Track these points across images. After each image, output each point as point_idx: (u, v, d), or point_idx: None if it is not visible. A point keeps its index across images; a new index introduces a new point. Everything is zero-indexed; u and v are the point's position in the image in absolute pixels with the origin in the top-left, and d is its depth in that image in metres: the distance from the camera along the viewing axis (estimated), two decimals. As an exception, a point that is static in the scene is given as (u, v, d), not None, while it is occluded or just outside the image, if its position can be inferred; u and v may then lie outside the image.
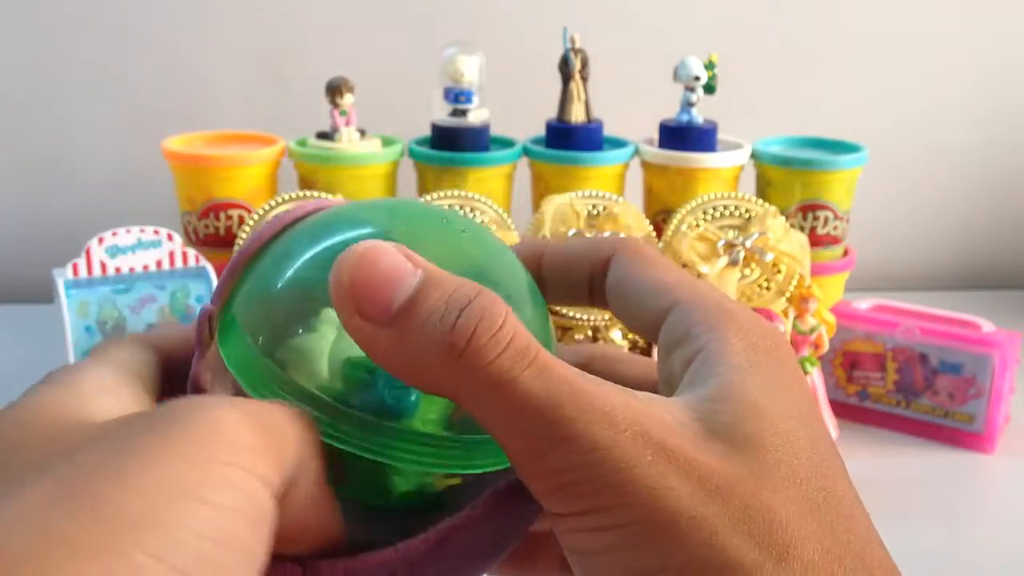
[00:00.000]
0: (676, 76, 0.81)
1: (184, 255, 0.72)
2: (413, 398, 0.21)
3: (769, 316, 0.70)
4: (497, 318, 0.19)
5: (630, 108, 0.85)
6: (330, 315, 0.21)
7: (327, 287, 0.19)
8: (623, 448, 0.18)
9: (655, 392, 0.21)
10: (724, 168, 0.82)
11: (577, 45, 0.81)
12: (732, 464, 0.19)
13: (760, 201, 0.78)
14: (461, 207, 0.74)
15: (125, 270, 0.70)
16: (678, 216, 0.77)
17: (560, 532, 0.20)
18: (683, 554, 0.18)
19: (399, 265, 0.19)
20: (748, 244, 0.75)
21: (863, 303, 0.78)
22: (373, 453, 0.20)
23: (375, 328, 0.19)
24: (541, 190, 0.83)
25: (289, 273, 0.22)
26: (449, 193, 0.75)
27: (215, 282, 0.70)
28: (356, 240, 0.20)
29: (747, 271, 0.75)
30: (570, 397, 0.18)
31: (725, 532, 0.18)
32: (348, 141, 0.79)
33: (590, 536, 0.19)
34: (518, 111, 0.85)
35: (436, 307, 0.19)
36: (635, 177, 0.85)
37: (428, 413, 0.22)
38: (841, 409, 0.75)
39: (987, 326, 0.73)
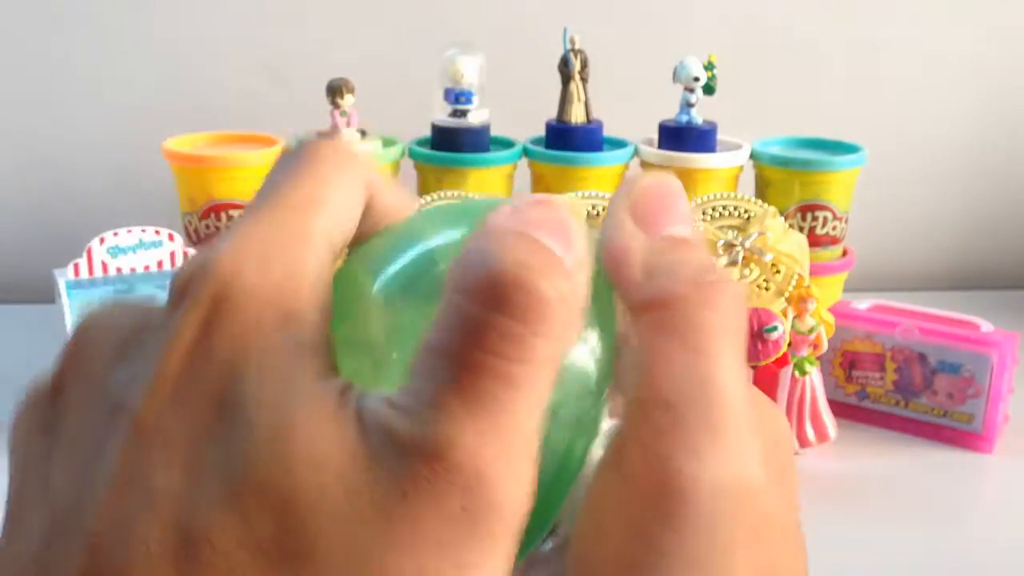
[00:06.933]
0: (675, 77, 0.81)
1: (185, 255, 0.72)
2: None
3: (768, 316, 0.70)
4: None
5: (630, 108, 0.85)
6: None
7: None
8: None
9: None
10: (723, 168, 0.82)
11: (577, 46, 0.81)
12: None
13: (759, 201, 0.78)
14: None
15: (126, 270, 0.70)
16: (678, 216, 0.77)
17: None
18: None
19: (685, 204, 0.21)
20: (747, 244, 0.75)
21: (862, 303, 0.78)
22: None
23: (642, 236, 0.20)
24: (541, 191, 0.83)
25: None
26: (449, 194, 0.75)
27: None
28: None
29: (746, 271, 0.75)
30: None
31: None
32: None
33: None
34: (518, 111, 0.85)
35: (703, 254, 0.20)
36: (635, 177, 0.85)
37: None
38: (840, 409, 0.75)
39: (986, 326, 0.73)
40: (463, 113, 0.80)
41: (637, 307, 0.19)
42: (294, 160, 0.20)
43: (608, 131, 0.84)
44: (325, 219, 0.19)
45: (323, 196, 0.19)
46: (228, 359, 0.17)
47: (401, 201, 0.22)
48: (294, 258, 0.18)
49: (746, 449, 0.17)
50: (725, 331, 0.18)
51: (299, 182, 0.20)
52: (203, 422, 0.17)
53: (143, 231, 0.70)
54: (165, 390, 0.17)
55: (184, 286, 0.18)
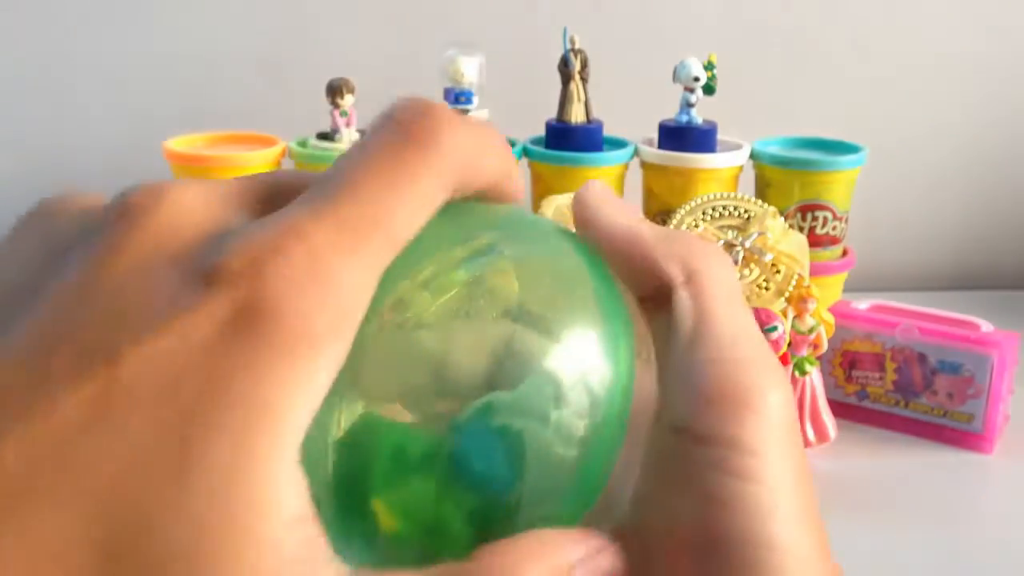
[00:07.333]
0: (676, 77, 0.81)
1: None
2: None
3: (768, 316, 0.70)
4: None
5: (630, 108, 0.85)
6: None
7: None
8: None
9: None
10: (723, 168, 0.82)
11: (577, 45, 0.81)
12: None
13: (759, 201, 0.78)
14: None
15: (126, 270, 0.70)
16: (677, 216, 0.77)
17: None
18: None
19: None
20: (747, 244, 0.75)
21: (862, 303, 0.78)
22: None
23: (635, 220, 0.23)
24: (541, 190, 0.83)
25: None
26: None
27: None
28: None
29: (746, 271, 0.75)
30: None
31: None
32: (349, 142, 0.80)
33: None
34: (518, 111, 0.85)
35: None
36: (635, 178, 0.85)
37: None
38: (840, 409, 0.75)
39: (986, 326, 0.73)
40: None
41: (669, 271, 0.22)
42: (377, 159, 0.19)
43: (608, 131, 0.84)
44: (392, 245, 0.18)
45: (397, 219, 0.18)
46: (224, 375, 0.16)
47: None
48: (349, 302, 0.17)
49: (781, 371, 0.22)
50: (735, 280, 0.23)
51: (376, 194, 0.18)
52: (158, 420, 0.16)
53: (143, 231, 0.70)
54: (147, 354, 0.16)
55: (225, 265, 0.17)
